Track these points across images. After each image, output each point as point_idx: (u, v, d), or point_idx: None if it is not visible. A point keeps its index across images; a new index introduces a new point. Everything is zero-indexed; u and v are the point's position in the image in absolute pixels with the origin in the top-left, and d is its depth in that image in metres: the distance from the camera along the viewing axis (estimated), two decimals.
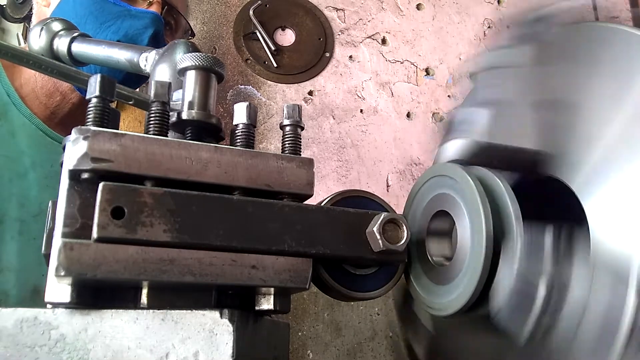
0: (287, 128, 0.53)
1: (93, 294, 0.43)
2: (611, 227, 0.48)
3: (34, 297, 0.84)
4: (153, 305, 0.45)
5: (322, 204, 0.56)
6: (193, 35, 1.24)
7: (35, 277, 0.85)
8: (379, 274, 0.56)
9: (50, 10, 0.99)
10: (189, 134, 0.52)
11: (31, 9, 1.20)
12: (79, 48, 0.79)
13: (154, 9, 1.01)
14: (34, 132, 0.96)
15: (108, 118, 0.46)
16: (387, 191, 1.49)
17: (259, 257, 0.46)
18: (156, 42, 0.99)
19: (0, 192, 0.87)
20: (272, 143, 1.45)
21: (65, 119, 1.03)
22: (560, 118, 0.57)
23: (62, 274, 0.40)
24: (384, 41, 1.61)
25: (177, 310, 0.43)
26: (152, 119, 0.48)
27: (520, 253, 0.48)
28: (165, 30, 1.07)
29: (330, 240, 0.49)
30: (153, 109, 0.48)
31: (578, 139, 0.54)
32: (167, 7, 1.04)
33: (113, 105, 0.49)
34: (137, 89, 0.99)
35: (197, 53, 0.54)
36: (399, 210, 0.59)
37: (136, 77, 0.88)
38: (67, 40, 0.79)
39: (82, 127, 0.44)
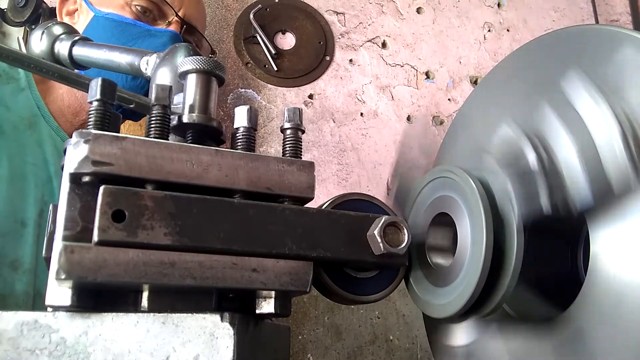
0: (288, 131, 0.53)
1: (93, 297, 0.43)
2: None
3: (37, 301, 0.86)
4: (153, 308, 0.45)
5: (323, 207, 0.56)
6: (214, 53, 1.27)
7: (40, 281, 0.88)
8: (380, 277, 0.56)
9: None
10: (190, 137, 0.52)
11: (32, 12, 1.21)
12: (80, 51, 0.79)
13: (173, 28, 1.06)
14: (60, 143, 1.00)
15: (109, 121, 0.46)
16: (388, 194, 1.49)
17: (260, 260, 0.46)
18: None
19: (27, 196, 0.90)
20: (272, 146, 1.45)
21: None
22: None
23: (63, 277, 0.40)
24: (384, 45, 1.61)
25: (178, 314, 0.43)
26: (153, 122, 0.48)
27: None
28: None
29: (331, 243, 0.49)
30: (154, 112, 0.48)
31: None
32: (187, 27, 1.08)
33: None
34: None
35: (197, 56, 0.54)
36: (400, 214, 0.59)
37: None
38: (68, 43, 0.79)
39: (83, 130, 0.44)
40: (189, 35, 1.11)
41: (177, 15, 1.06)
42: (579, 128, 0.49)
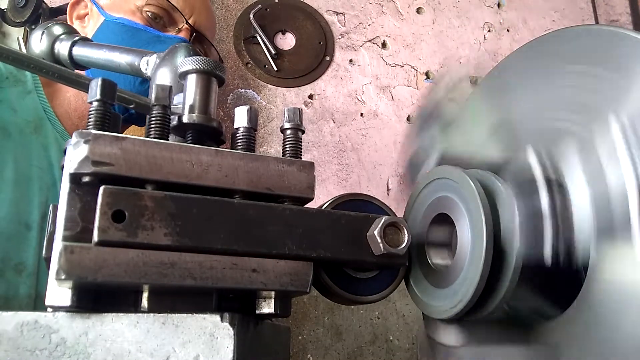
0: (288, 132, 0.53)
1: (93, 298, 0.43)
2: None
3: (39, 303, 0.86)
4: (154, 308, 0.45)
5: (323, 208, 0.56)
6: (221, 62, 1.28)
7: (42, 284, 0.87)
8: (380, 277, 0.56)
9: None
10: (190, 138, 0.52)
11: (32, 12, 1.21)
12: (80, 52, 0.79)
13: (183, 35, 1.07)
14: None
15: (109, 122, 0.46)
16: (388, 195, 1.49)
17: (260, 260, 0.46)
18: None
19: (32, 200, 0.90)
20: (272, 147, 1.45)
21: None
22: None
23: (63, 277, 0.40)
24: (384, 45, 1.61)
25: (178, 314, 0.43)
26: (153, 122, 0.48)
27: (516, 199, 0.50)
28: None
29: (331, 243, 0.49)
30: (154, 112, 0.48)
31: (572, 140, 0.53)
32: (196, 35, 1.09)
33: None
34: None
35: (197, 57, 0.54)
36: (400, 214, 0.59)
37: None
38: (68, 44, 0.79)
39: (83, 130, 0.44)
40: (199, 43, 1.11)
41: (187, 22, 1.07)
42: (597, 173, 0.48)
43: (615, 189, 0.46)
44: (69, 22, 1.09)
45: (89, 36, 1.02)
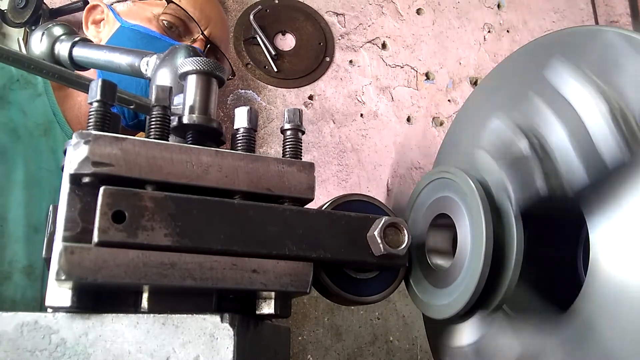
0: (288, 132, 0.53)
1: (94, 298, 0.43)
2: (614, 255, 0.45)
3: (44, 307, 0.87)
4: (154, 309, 0.45)
5: (323, 208, 0.56)
6: (234, 75, 1.28)
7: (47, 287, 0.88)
8: (380, 278, 0.56)
9: None
10: (190, 138, 0.52)
11: (32, 13, 1.21)
12: (80, 52, 0.79)
13: (197, 45, 1.07)
14: None
15: (109, 122, 0.46)
16: (388, 195, 1.49)
17: (260, 261, 0.46)
18: None
19: (40, 203, 0.90)
20: (272, 147, 1.45)
21: None
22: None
23: (63, 278, 0.40)
24: (384, 46, 1.61)
25: (178, 315, 0.43)
26: (153, 123, 0.48)
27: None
28: None
29: (331, 244, 0.49)
30: (154, 113, 0.48)
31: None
32: (210, 46, 1.09)
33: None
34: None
35: (198, 57, 0.54)
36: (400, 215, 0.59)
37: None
38: (68, 44, 0.79)
39: (84, 131, 0.44)
40: (212, 54, 1.12)
41: (202, 33, 1.07)
42: (568, 112, 0.50)
43: (587, 117, 0.48)
44: (84, 27, 1.09)
45: (104, 42, 1.03)
